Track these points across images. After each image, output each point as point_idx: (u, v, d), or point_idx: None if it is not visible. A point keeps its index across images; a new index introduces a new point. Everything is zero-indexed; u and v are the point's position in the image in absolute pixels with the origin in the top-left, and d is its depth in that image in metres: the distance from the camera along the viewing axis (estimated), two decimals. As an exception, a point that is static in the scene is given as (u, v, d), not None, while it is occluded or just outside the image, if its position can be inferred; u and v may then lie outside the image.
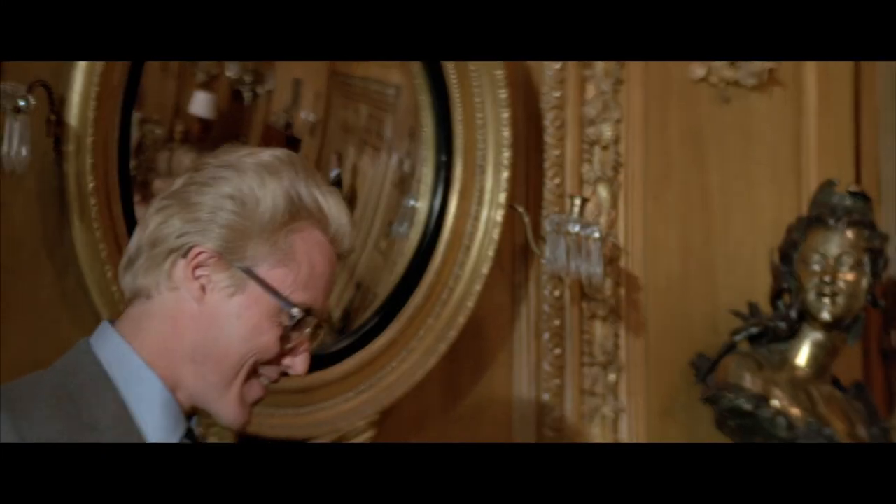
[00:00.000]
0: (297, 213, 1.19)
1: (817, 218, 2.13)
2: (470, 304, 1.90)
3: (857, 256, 2.11)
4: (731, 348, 2.09)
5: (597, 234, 1.91)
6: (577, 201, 1.94)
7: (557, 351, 2.03)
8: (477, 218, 1.92)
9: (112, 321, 1.21)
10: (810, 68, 2.41)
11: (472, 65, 1.94)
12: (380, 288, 1.97)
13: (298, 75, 1.95)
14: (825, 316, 2.08)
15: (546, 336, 2.04)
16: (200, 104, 1.83)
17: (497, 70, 1.94)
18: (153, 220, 1.17)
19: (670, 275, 2.22)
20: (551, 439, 2.01)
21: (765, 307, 2.17)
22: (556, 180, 2.08)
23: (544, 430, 2.01)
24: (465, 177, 1.92)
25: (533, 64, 2.11)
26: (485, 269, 1.91)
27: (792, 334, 2.12)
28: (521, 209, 1.96)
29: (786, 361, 2.11)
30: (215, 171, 1.20)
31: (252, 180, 1.18)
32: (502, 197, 1.92)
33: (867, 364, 2.50)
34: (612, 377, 2.08)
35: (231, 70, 1.84)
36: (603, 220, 2.09)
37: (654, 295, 2.17)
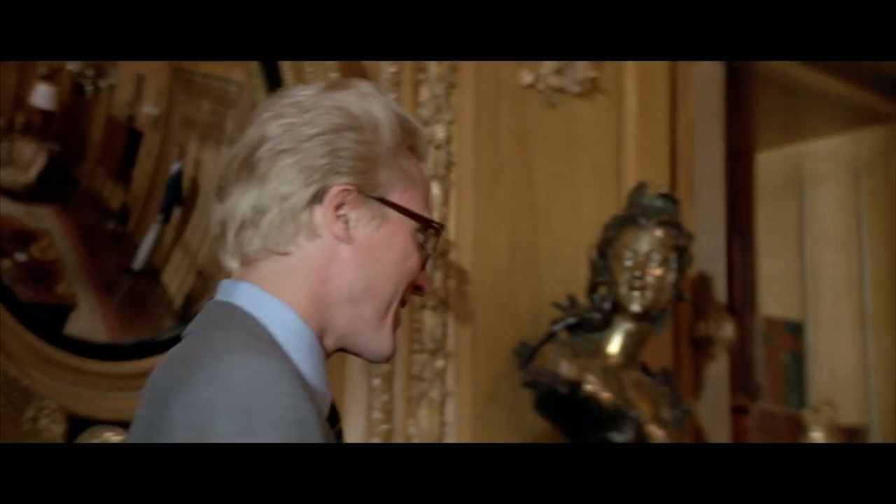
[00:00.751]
0: (405, 133, 1.15)
1: (630, 218, 2.23)
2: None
3: (665, 254, 2.21)
4: (550, 337, 2.16)
5: (447, 230, 1.96)
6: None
7: (391, 339, 2.07)
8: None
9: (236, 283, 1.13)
10: (631, 77, 2.52)
11: (308, 65, 1.97)
12: (220, 276, 1.99)
13: (141, 71, 1.95)
14: (635, 308, 2.18)
15: (377, 325, 2.08)
16: (42, 96, 1.82)
17: (332, 72, 1.96)
18: (273, 176, 1.10)
19: (498, 268, 2.28)
20: (379, 421, 2.04)
21: (583, 300, 2.25)
22: (391, 177, 2.12)
23: (373, 412, 2.04)
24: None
25: (369, 65, 2.11)
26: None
27: (606, 325, 2.21)
28: (351, 204, 1.99)
29: (599, 350, 2.20)
30: (319, 107, 1.12)
31: (366, 105, 1.13)
32: (335, 192, 1.95)
33: (678, 352, 2.64)
34: (440, 363, 2.12)
35: (73, 64, 1.83)
36: (435, 216, 2.16)
37: (483, 287, 2.22)
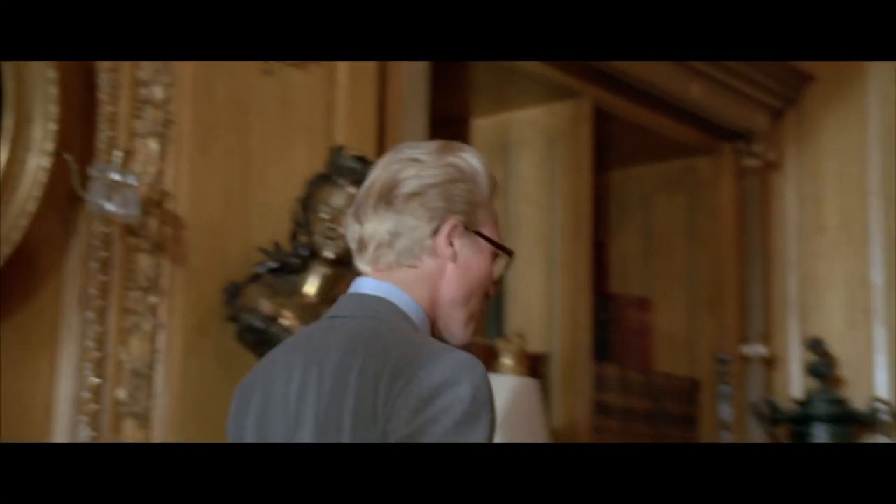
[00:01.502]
0: (493, 184, 1.54)
1: (328, 176, 2.46)
2: (16, 236, 2.05)
3: None
4: (254, 278, 2.39)
5: (133, 181, 2.12)
6: (119, 153, 2.15)
7: (104, 277, 2.22)
8: (24, 163, 2.07)
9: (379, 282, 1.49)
10: (342, 49, 2.74)
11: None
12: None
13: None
14: (329, 254, 2.41)
15: (94, 265, 2.22)
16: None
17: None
18: (402, 210, 1.47)
19: (213, 217, 2.46)
20: (92, 349, 2.20)
21: (287, 247, 2.48)
22: (110, 133, 2.25)
23: (86, 341, 2.20)
24: (15, 128, 2.06)
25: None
26: (31, 207, 2.07)
27: (304, 269, 2.44)
28: (69, 158, 2.13)
29: (297, 290, 2.43)
30: (429, 160, 1.49)
31: (471, 162, 1.51)
32: (50, 146, 2.08)
33: None
34: (152, 299, 2.29)
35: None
36: (153, 169, 2.33)
37: (197, 233, 2.40)
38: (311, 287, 2.43)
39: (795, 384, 4.01)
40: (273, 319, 2.29)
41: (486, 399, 1.34)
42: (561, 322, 3.57)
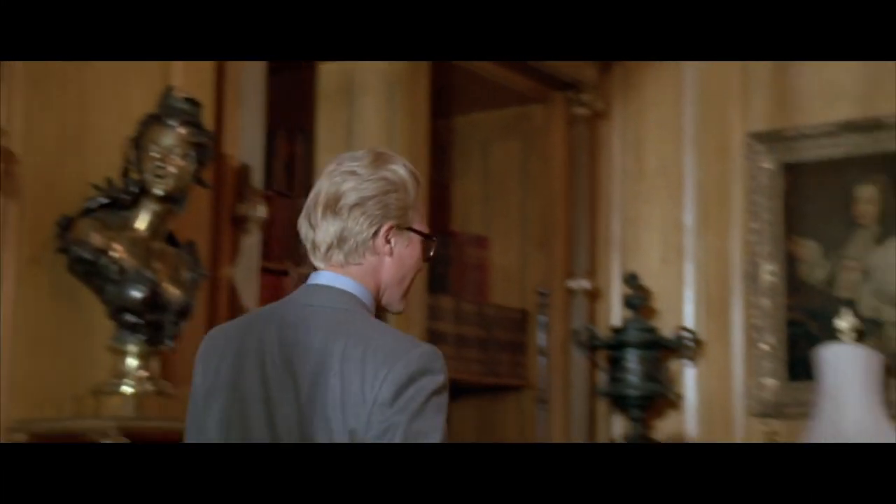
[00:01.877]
0: (417, 184, 1.84)
1: (158, 116, 2.57)
2: None
3: (185, 149, 2.56)
4: (86, 212, 2.50)
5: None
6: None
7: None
8: None
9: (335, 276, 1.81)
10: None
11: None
12: None
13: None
14: (158, 191, 2.54)
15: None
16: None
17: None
18: (348, 216, 1.77)
19: (47, 153, 2.55)
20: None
21: (119, 183, 2.59)
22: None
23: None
24: None
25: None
26: None
27: (135, 204, 2.57)
28: None
29: (128, 224, 2.56)
30: (367, 174, 1.80)
31: (398, 172, 1.81)
32: None
33: (218, 229, 3.02)
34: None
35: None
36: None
37: (31, 168, 2.50)
38: (141, 223, 2.55)
39: (615, 315, 4.30)
40: (103, 252, 2.41)
41: (445, 382, 1.74)
42: None
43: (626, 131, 4.45)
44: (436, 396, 1.70)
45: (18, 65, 2.45)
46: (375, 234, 1.81)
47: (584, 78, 4.31)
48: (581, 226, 4.36)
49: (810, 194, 4.09)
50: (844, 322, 3.78)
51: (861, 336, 3.81)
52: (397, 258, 1.86)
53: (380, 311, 1.89)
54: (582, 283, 4.27)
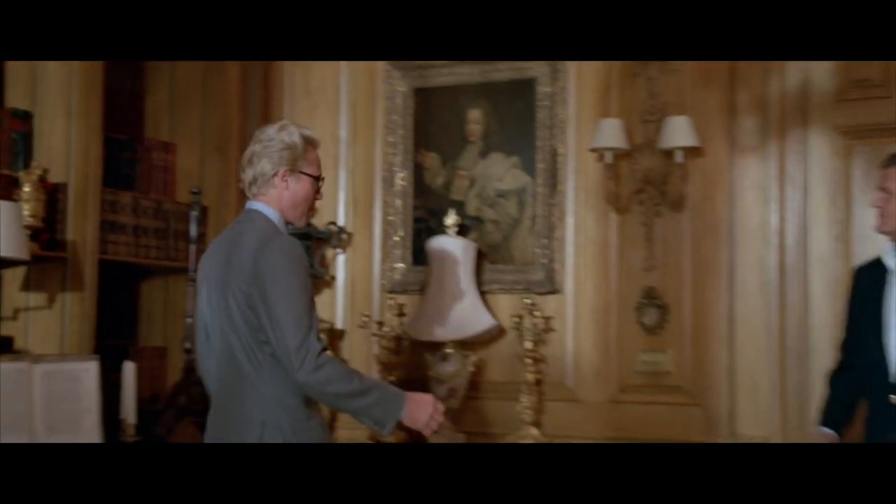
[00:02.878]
0: (307, 143, 2.84)
1: None
2: None
3: None
4: None
5: None
6: None
7: None
8: None
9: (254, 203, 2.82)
10: None
11: None
12: None
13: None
14: None
15: None
16: None
17: None
18: (258, 164, 2.80)
19: None
20: None
21: None
22: None
23: None
24: None
25: None
26: None
27: None
28: None
29: None
30: (270, 139, 2.81)
31: (291, 137, 2.81)
32: None
33: None
34: None
35: None
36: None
37: None
38: None
39: None
40: None
41: (296, 250, 2.71)
42: (76, 159, 4.19)
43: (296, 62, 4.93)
44: (292, 262, 2.74)
45: None
46: (275, 175, 2.79)
47: None
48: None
49: (434, 115, 4.75)
50: (450, 219, 4.55)
51: (464, 230, 4.60)
52: (292, 191, 2.82)
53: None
54: None
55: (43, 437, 3.36)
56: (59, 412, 3.43)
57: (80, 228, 4.20)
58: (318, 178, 2.87)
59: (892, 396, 3.16)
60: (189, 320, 4.24)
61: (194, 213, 4.44)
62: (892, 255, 3.39)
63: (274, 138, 2.82)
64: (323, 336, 2.85)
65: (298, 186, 2.83)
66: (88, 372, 3.54)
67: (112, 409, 3.93)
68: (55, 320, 4.16)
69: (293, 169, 2.80)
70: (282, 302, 2.60)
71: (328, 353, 2.74)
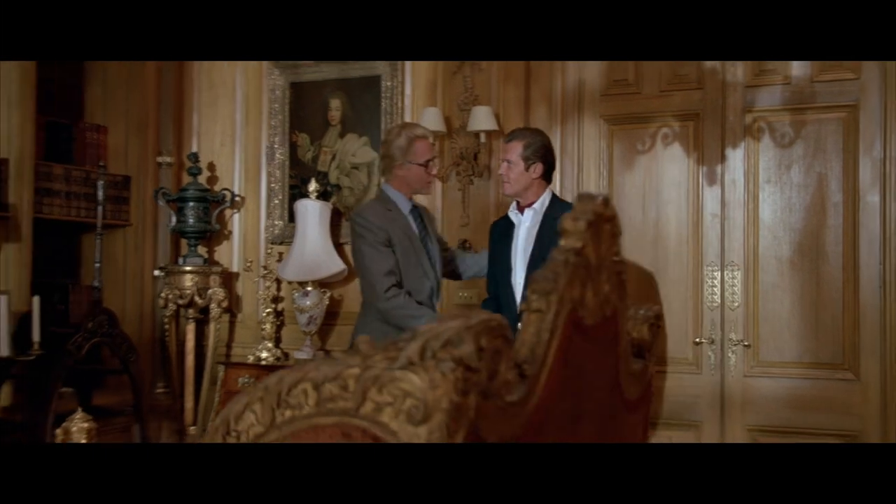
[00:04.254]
0: (411, 140, 3.94)
1: None
2: None
3: None
4: None
5: None
6: None
7: None
8: None
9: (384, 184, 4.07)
10: None
11: None
12: None
13: None
14: None
15: None
16: None
17: None
18: (383, 159, 4.06)
19: None
20: None
21: None
22: None
23: None
24: None
25: None
26: None
27: None
28: None
29: None
30: (386, 140, 4.02)
31: (398, 139, 3.94)
32: None
33: None
34: None
35: None
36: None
37: None
38: None
39: (186, 180, 5.94)
40: None
41: (367, 216, 3.88)
42: (16, 139, 5.07)
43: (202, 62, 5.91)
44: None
45: None
46: (392, 167, 3.93)
47: None
48: (167, 121, 5.88)
49: (304, 103, 5.65)
50: (312, 186, 5.53)
51: (326, 195, 5.59)
52: (402, 177, 3.96)
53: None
54: (166, 159, 5.83)
55: None
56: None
57: (18, 194, 5.09)
58: (425, 164, 3.97)
59: (519, 324, 4.00)
60: (97, 265, 5.26)
61: (100, 182, 5.41)
62: (515, 212, 3.99)
63: (388, 140, 4.03)
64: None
65: (408, 173, 3.98)
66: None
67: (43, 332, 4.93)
68: (1, 265, 5.20)
69: (402, 162, 3.96)
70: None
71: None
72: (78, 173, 5.57)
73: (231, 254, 5.84)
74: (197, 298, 5.52)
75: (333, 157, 5.58)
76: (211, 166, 5.91)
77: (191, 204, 5.61)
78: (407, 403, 1.02)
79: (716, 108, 4.88)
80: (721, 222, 4.85)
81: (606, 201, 1.62)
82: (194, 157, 5.71)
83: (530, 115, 5.23)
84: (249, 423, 1.09)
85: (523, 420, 1.23)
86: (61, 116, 5.66)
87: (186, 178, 5.74)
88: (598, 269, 1.55)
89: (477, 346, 1.06)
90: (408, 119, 5.42)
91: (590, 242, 1.51)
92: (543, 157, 3.97)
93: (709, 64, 4.86)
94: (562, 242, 1.48)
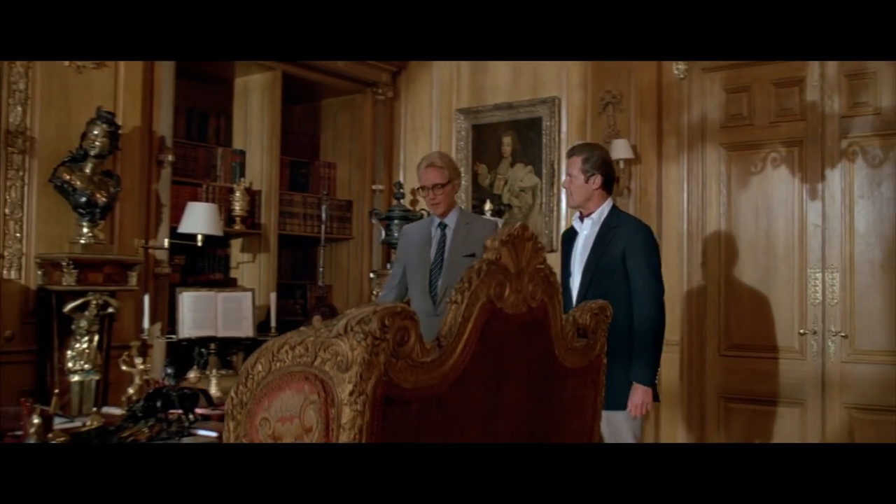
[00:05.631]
0: (418, 171, 4.13)
1: (93, 119, 5.46)
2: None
3: (104, 135, 5.49)
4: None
5: None
6: None
7: None
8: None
9: None
10: None
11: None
12: None
13: None
14: (92, 153, 5.59)
15: None
16: None
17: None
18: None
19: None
20: None
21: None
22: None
23: None
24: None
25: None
26: None
27: (84, 159, 5.59)
28: None
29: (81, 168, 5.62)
30: (447, 167, 4.22)
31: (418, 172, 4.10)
32: None
33: (149, 165, 6.03)
34: None
35: None
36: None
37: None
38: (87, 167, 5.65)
39: (393, 203, 7.16)
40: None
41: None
42: (266, 175, 6.53)
43: (406, 107, 7.03)
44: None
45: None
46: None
47: (381, 79, 6.96)
48: (380, 156, 7.02)
49: (484, 140, 6.63)
50: (488, 205, 6.54)
51: (498, 212, 6.63)
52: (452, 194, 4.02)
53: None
54: (379, 187, 6.98)
55: (222, 332, 5.69)
56: (230, 318, 5.79)
57: (268, 216, 6.39)
58: (420, 189, 4.17)
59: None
60: (321, 269, 6.62)
61: (323, 206, 6.73)
62: (578, 221, 3.92)
63: (448, 166, 4.11)
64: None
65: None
66: (246, 298, 5.74)
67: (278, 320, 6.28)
68: (256, 269, 6.66)
69: (453, 184, 4.16)
70: None
71: None
72: (312, 199, 6.89)
73: (429, 262, 6.96)
74: (400, 296, 6.72)
75: (505, 182, 6.49)
76: (413, 192, 6.93)
77: (396, 221, 6.40)
78: (338, 358, 1.46)
79: (816, 136, 5.49)
80: (822, 231, 5.41)
81: (524, 227, 1.86)
82: (399, 185, 6.61)
83: (662, 145, 6.05)
84: (258, 369, 1.55)
85: (439, 374, 1.61)
86: (301, 156, 7.02)
87: (393, 202, 6.65)
88: (517, 273, 1.82)
89: (381, 324, 1.46)
90: (563, 151, 6.40)
91: (506, 255, 1.79)
92: (602, 169, 3.88)
93: (810, 98, 5.52)
94: (484, 255, 1.78)
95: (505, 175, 6.49)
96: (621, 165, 6.03)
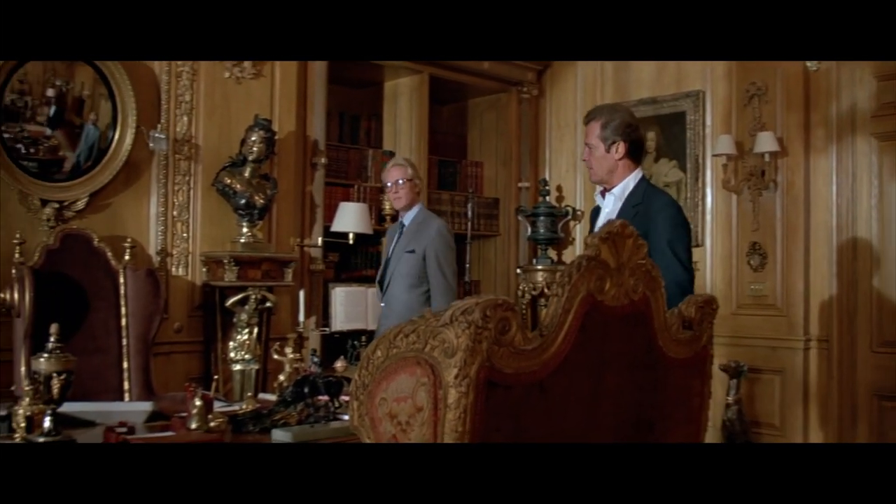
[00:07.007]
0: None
1: (251, 126, 5.86)
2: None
3: (261, 140, 5.88)
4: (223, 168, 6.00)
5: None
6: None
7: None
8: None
9: None
10: None
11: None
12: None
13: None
14: (250, 158, 5.97)
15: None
16: None
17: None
18: None
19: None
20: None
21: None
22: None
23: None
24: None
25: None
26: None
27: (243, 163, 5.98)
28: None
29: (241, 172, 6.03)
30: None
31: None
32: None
33: (304, 168, 6.44)
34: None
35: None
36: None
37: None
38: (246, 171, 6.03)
39: (539, 200, 7.28)
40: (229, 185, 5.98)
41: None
42: None
43: (551, 105, 7.19)
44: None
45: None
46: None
47: (526, 78, 7.14)
48: (526, 154, 7.21)
49: None
50: None
51: (642, 208, 6.68)
52: None
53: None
54: (525, 184, 7.16)
55: (371, 325, 5.89)
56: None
57: None
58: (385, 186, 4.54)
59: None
60: (467, 265, 6.82)
61: (469, 204, 6.92)
62: (599, 197, 3.41)
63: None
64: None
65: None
66: (367, 292, 6.05)
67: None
68: None
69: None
70: None
71: None
72: (459, 198, 7.13)
73: (574, 255, 7.05)
74: (546, 290, 6.85)
75: (651, 177, 6.60)
76: (558, 188, 7.09)
77: (542, 218, 6.72)
78: (445, 345, 1.60)
79: (976, 121, 5.29)
80: (982, 223, 5.24)
81: (624, 224, 1.93)
82: (545, 182, 6.86)
83: (810, 136, 5.93)
84: (377, 355, 1.70)
85: (540, 361, 1.73)
86: (448, 156, 7.26)
87: (539, 198, 6.89)
88: (618, 268, 1.91)
89: (482, 314, 1.60)
90: (708, 145, 6.36)
91: (606, 251, 1.88)
92: (626, 134, 3.29)
93: (968, 83, 5.29)
94: (584, 252, 1.88)
95: (649, 170, 6.54)
96: (766, 158, 5.94)
